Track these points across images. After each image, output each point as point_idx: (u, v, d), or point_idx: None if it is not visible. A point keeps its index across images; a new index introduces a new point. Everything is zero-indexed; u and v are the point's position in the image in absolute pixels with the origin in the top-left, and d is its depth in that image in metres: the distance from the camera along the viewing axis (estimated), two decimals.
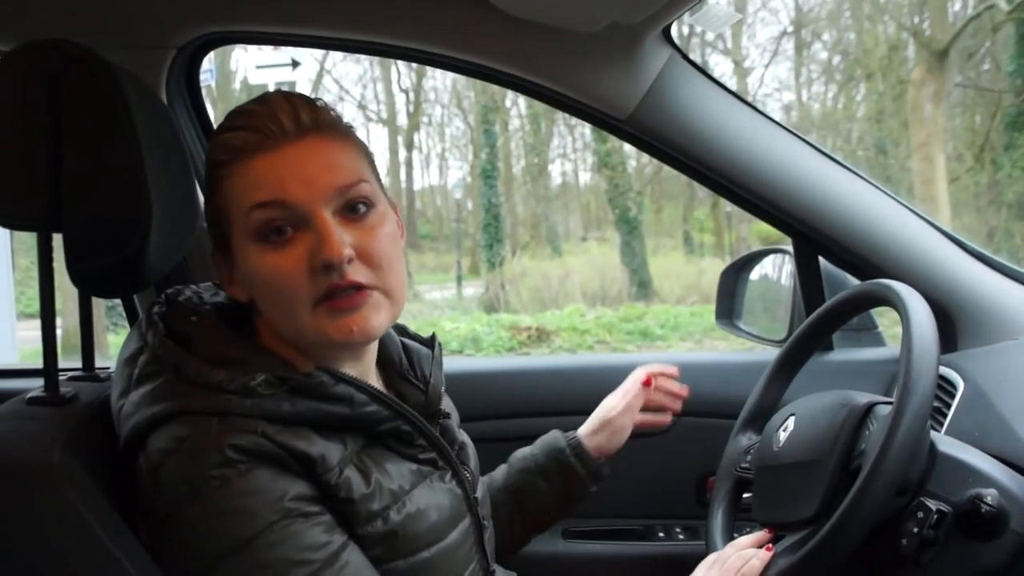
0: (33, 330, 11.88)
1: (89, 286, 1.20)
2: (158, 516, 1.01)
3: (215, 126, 1.76)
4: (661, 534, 1.82)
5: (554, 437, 1.52)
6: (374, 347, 1.22)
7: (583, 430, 1.52)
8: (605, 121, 1.66)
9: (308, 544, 1.00)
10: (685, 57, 1.63)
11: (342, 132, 1.12)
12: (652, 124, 1.62)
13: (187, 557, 0.99)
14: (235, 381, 1.04)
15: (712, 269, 14.58)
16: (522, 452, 1.53)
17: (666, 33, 1.58)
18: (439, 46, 1.60)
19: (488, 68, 1.62)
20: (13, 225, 1.12)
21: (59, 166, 1.08)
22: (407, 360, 1.29)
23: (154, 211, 1.11)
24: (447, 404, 1.34)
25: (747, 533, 1.36)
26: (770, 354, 1.79)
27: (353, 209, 1.09)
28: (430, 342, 1.33)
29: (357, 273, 1.06)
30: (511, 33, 1.55)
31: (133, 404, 1.07)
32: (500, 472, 1.53)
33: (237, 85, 18.00)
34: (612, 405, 1.53)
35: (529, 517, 1.49)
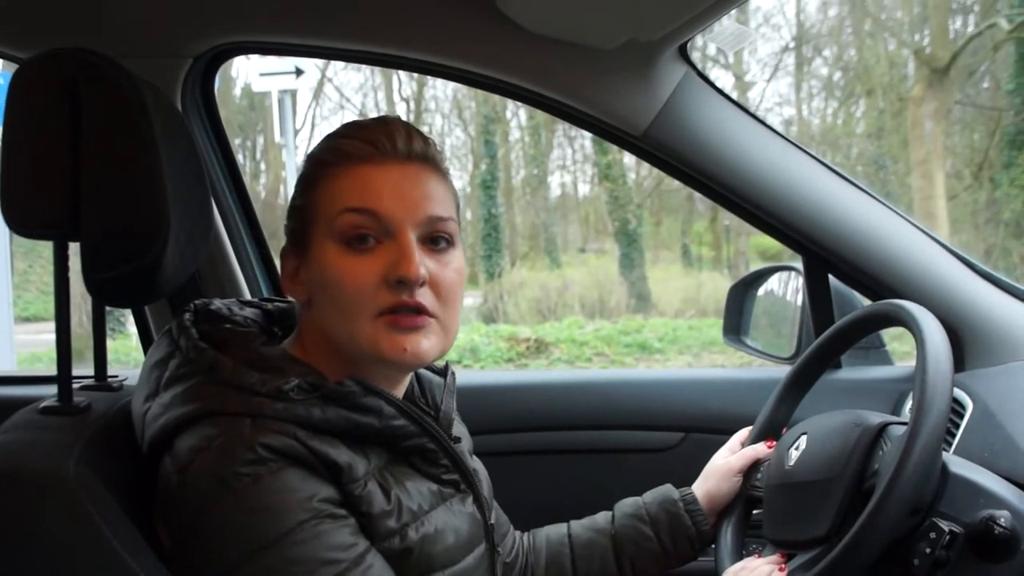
0: (29, 334, 11.87)
1: (104, 295, 1.20)
2: (185, 514, 1.01)
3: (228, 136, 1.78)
4: None
5: (667, 488, 1.47)
6: (405, 379, 1.24)
7: (695, 483, 1.47)
8: (620, 137, 1.66)
9: (337, 544, 1.02)
10: (700, 74, 1.63)
11: (444, 170, 1.17)
12: (666, 141, 1.63)
13: (216, 554, 1.00)
14: (268, 384, 1.05)
15: (710, 282, 14.56)
16: (631, 499, 1.49)
17: (682, 50, 1.59)
18: (456, 60, 1.61)
19: (504, 82, 1.63)
20: (31, 233, 1.11)
21: (78, 174, 1.08)
22: (419, 388, 1.32)
23: (171, 221, 1.11)
24: (460, 432, 1.35)
25: (755, 550, 1.36)
26: (778, 371, 1.79)
27: (435, 241, 1.13)
28: (443, 371, 1.34)
29: (424, 297, 1.09)
30: (528, 48, 1.56)
31: (162, 405, 1.08)
32: (602, 516, 1.49)
33: (238, 91, 18.01)
34: (718, 453, 1.49)
35: (626, 567, 1.42)
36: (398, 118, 1.16)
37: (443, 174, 1.17)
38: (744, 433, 1.51)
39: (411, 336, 1.09)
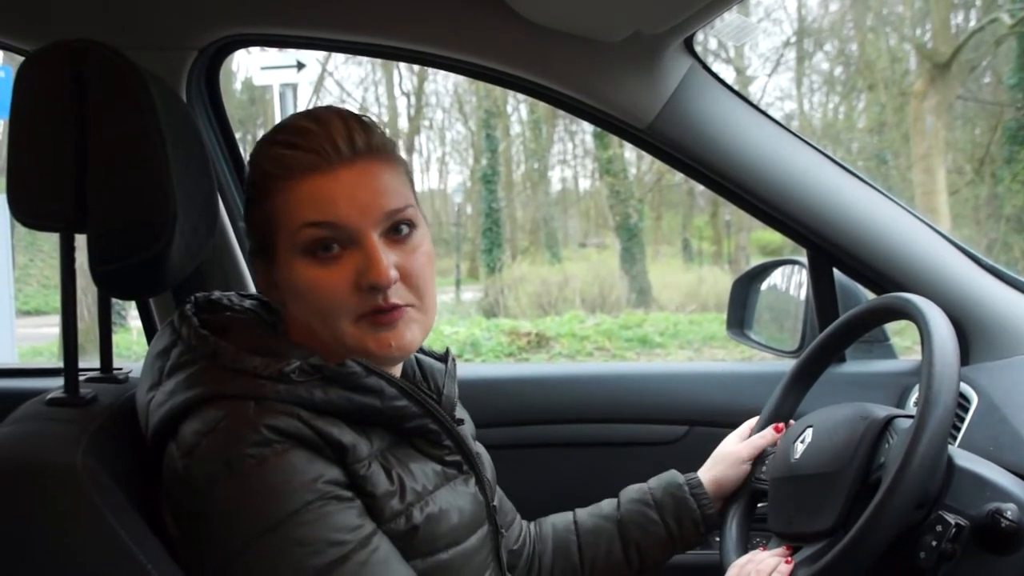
0: (30, 327, 11.88)
1: (110, 287, 1.20)
2: (191, 499, 1.02)
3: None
4: None
5: (672, 473, 1.49)
6: (401, 361, 1.24)
7: (701, 469, 1.49)
8: (624, 130, 1.66)
9: (342, 525, 1.02)
10: (706, 67, 1.63)
11: (391, 154, 1.16)
12: (671, 134, 1.63)
13: (222, 536, 1.00)
14: (270, 368, 1.06)
15: (711, 277, 14.60)
16: (636, 485, 1.50)
17: (688, 43, 1.59)
18: (461, 52, 1.61)
19: (509, 75, 1.63)
20: (37, 225, 1.11)
21: (84, 166, 1.08)
22: (420, 374, 1.32)
23: (178, 213, 1.11)
24: (463, 415, 1.35)
25: (759, 543, 1.36)
26: (782, 365, 1.80)
27: (397, 230, 1.12)
28: (444, 357, 1.34)
29: (398, 294, 1.10)
30: (533, 40, 1.56)
31: (166, 393, 1.08)
32: (608, 503, 1.50)
33: (238, 85, 18.01)
34: (727, 440, 1.51)
35: (632, 552, 1.44)
36: (334, 112, 1.14)
37: (391, 159, 1.15)
38: (753, 422, 1.51)
39: (394, 331, 1.11)
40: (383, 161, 1.13)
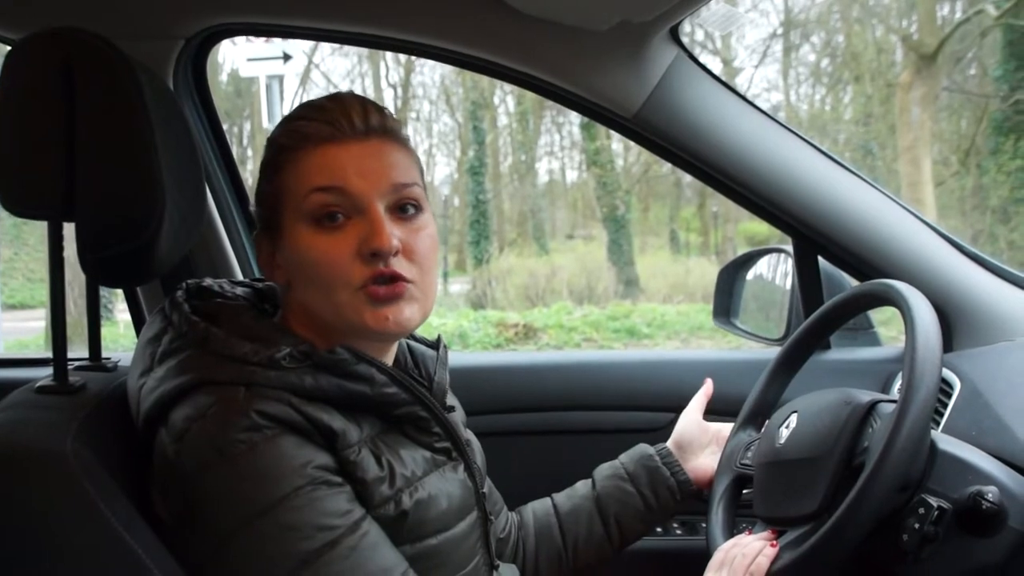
0: (16, 321, 11.82)
1: (99, 276, 1.20)
2: (181, 484, 1.02)
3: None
4: (659, 529, 1.83)
5: (642, 446, 1.54)
6: (393, 348, 1.25)
7: (669, 440, 1.54)
8: (611, 119, 1.67)
9: (332, 510, 1.03)
10: (692, 57, 1.64)
11: (403, 140, 1.18)
12: (657, 122, 1.64)
13: (212, 523, 1.01)
14: (260, 354, 1.07)
15: (698, 268, 14.59)
16: (608, 463, 1.55)
17: (674, 32, 1.60)
18: (449, 42, 1.61)
19: (496, 64, 1.63)
20: (25, 214, 1.11)
21: (72, 155, 1.08)
22: (412, 360, 1.33)
23: (166, 202, 1.12)
24: (453, 402, 1.36)
25: (745, 527, 1.37)
26: (768, 352, 1.81)
27: (403, 209, 1.14)
28: (435, 344, 1.35)
29: (399, 266, 1.11)
30: (520, 30, 1.56)
31: (157, 379, 1.09)
32: (582, 484, 1.54)
33: (224, 77, 17.92)
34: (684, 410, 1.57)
35: (613, 528, 1.48)
36: (352, 94, 1.18)
37: (403, 143, 1.18)
38: (702, 397, 1.58)
39: (392, 306, 1.11)
40: (395, 142, 1.16)
